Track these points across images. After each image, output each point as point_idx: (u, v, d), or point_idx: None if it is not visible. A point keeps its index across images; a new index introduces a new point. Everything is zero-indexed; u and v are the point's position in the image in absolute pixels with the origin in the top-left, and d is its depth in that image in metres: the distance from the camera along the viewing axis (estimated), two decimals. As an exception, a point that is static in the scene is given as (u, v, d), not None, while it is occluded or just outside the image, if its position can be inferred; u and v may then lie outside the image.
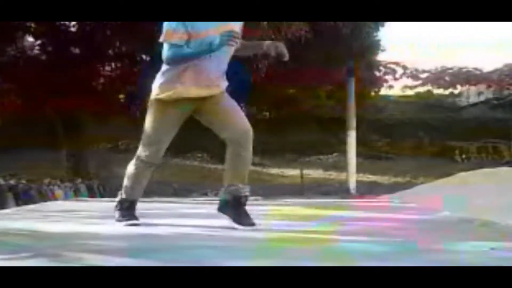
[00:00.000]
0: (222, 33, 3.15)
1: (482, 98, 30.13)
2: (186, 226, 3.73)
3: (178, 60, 3.34)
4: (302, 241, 3.11)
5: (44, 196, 8.34)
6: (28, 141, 16.06)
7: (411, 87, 31.20)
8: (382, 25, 15.61)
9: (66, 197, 8.77)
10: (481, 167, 15.85)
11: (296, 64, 12.39)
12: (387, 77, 28.16)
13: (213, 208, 3.87)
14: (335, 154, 21.10)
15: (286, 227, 3.83)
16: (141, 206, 4.15)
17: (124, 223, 3.65)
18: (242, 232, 3.33)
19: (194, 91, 3.45)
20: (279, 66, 11.41)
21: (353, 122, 13.77)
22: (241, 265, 2.27)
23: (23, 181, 9.34)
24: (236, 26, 3.31)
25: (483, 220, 4.08)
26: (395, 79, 29.32)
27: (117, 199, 3.80)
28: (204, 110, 3.58)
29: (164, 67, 3.45)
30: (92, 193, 10.69)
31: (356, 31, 12.56)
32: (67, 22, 11.65)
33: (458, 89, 31.23)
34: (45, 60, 12.82)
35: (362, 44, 13.49)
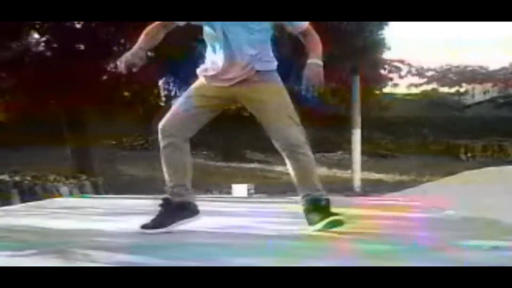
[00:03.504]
0: None
1: (487, 96, 30.06)
2: (190, 223, 3.72)
3: None
4: (304, 239, 3.11)
5: (49, 193, 8.34)
6: (33, 138, 16.07)
7: (416, 85, 31.15)
8: (387, 23, 15.56)
9: (70, 194, 8.79)
10: (486, 165, 15.82)
11: (299, 63, 12.37)
12: (392, 75, 28.12)
13: (217, 205, 3.87)
14: (339, 152, 21.06)
15: (288, 225, 3.83)
16: (145, 203, 4.16)
17: None
18: (244, 229, 3.34)
19: None
20: (282, 64, 11.39)
21: (357, 120, 13.72)
22: (243, 263, 2.27)
23: (28, 178, 9.35)
24: None
25: (488, 219, 4.07)
26: (400, 77, 29.28)
27: None
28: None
29: None
30: (97, 190, 10.70)
31: (360, 29, 12.53)
32: (72, 19, 11.70)
33: (464, 87, 31.15)
34: (50, 57, 12.84)
35: (367, 42, 13.45)
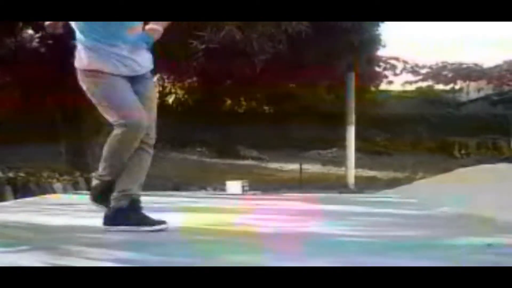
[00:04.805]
0: None
1: (482, 94, 30.09)
2: (185, 220, 3.72)
3: None
4: (300, 236, 3.11)
5: (43, 189, 8.31)
6: (27, 134, 16.03)
7: (411, 83, 31.18)
8: (383, 21, 15.58)
9: (64, 190, 8.76)
10: (481, 163, 15.84)
11: (295, 59, 12.35)
12: (387, 72, 28.15)
13: (211, 202, 3.87)
14: (334, 149, 21.04)
15: (285, 222, 3.83)
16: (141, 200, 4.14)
17: None
18: (241, 226, 3.33)
19: None
20: (278, 61, 11.39)
21: (352, 117, 13.73)
22: (239, 260, 2.27)
23: (22, 174, 9.31)
24: None
25: (482, 216, 4.08)
26: (395, 74, 29.30)
27: None
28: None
29: None
30: (91, 187, 10.68)
31: (355, 26, 12.52)
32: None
33: (458, 85, 31.20)
34: (44, 53, 12.79)
35: (362, 39, 13.44)
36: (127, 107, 3.21)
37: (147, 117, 3.25)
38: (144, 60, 3.35)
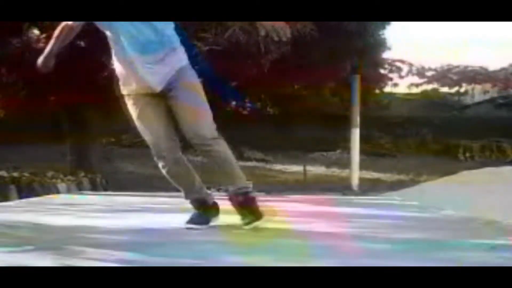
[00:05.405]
0: None
1: (487, 97, 30.02)
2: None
3: None
4: (302, 238, 3.11)
5: (47, 189, 8.33)
6: (32, 134, 16.06)
7: (416, 85, 31.11)
8: (388, 23, 15.53)
9: (69, 191, 8.78)
10: (485, 166, 15.82)
11: (300, 61, 12.34)
12: (392, 75, 28.09)
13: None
14: (338, 151, 21.01)
15: (288, 223, 3.82)
16: (144, 201, 4.16)
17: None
18: (241, 228, 3.33)
19: (135, 86, 3.35)
20: (283, 63, 11.39)
21: (357, 120, 13.71)
22: (241, 260, 2.27)
23: (26, 174, 9.33)
24: None
25: (486, 219, 4.07)
26: (401, 77, 29.24)
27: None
28: (169, 106, 3.38)
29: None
30: (95, 187, 10.70)
31: (361, 28, 12.51)
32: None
33: (464, 87, 31.12)
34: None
35: (367, 42, 13.42)
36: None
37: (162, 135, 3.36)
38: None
